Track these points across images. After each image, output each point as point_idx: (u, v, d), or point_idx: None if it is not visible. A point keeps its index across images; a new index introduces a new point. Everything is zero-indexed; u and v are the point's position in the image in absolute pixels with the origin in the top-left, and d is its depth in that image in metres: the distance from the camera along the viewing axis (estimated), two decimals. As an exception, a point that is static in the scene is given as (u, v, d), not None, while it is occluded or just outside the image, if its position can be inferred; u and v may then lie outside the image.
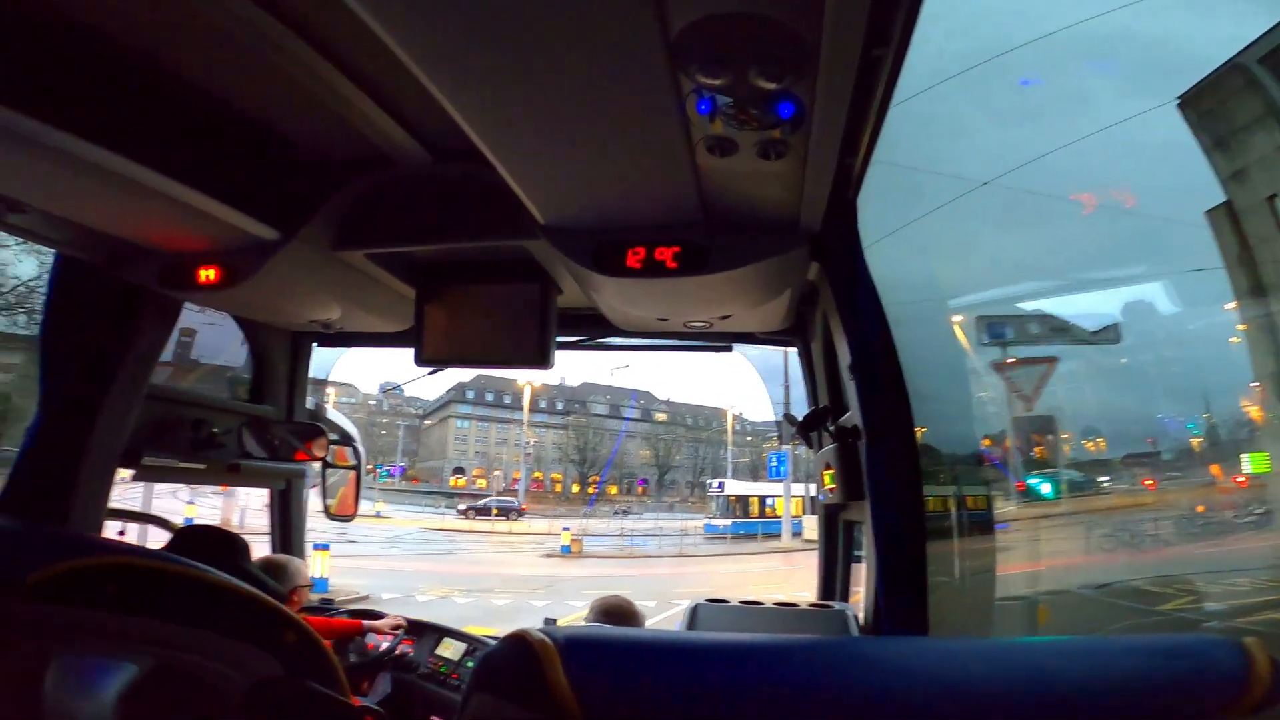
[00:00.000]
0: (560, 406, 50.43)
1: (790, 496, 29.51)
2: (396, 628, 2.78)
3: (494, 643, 2.34)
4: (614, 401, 50.93)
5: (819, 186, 1.51)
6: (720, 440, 47.82)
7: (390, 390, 48.97)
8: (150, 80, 1.53)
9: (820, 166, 1.41)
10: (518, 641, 0.59)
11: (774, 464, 29.60)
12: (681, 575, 20.01)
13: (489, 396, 49.56)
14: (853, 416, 1.97)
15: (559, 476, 49.30)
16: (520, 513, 39.54)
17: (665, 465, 48.28)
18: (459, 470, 48.14)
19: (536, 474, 48.36)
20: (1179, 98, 8.25)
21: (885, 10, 1.07)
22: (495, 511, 38.50)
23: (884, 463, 1.75)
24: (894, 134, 1.59)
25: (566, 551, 25.73)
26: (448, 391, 49.12)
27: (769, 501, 33.05)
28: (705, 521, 33.31)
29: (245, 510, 17.07)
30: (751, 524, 32.48)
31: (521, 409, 45.93)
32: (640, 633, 0.65)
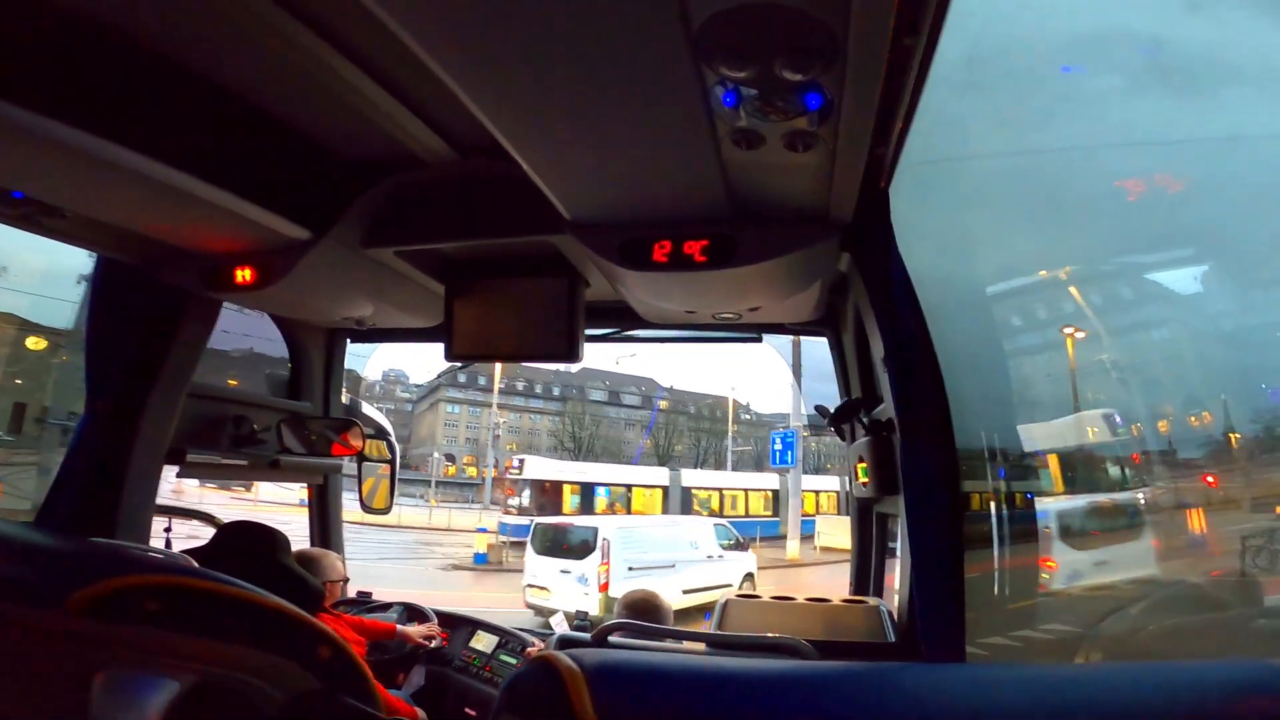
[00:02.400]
0: (556, 392, 47.78)
1: (799, 490, 21.91)
2: (429, 638, 2.76)
3: (525, 635, 2.36)
4: (613, 388, 48.39)
5: (849, 177, 1.48)
6: (724, 430, 44.31)
7: (394, 378, 47.47)
8: (179, 85, 1.56)
9: (850, 157, 1.38)
10: (546, 667, 0.59)
11: (777, 447, 20.75)
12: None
13: (481, 381, 46.22)
14: (886, 409, 1.94)
15: (551, 466, 46.60)
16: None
17: (666, 455, 44.87)
18: (450, 458, 45.35)
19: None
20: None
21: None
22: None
23: (919, 457, 1.72)
24: (927, 124, 1.54)
25: (481, 561, 18.76)
26: (438, 376, 46.09)
27: (601, 491, 23.06)
28: (499, 520, 21.97)
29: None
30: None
31: (518, 394, 43.63)
32: (671, 659, 0.64)
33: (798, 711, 0.55)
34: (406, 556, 19.81)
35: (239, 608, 1.02)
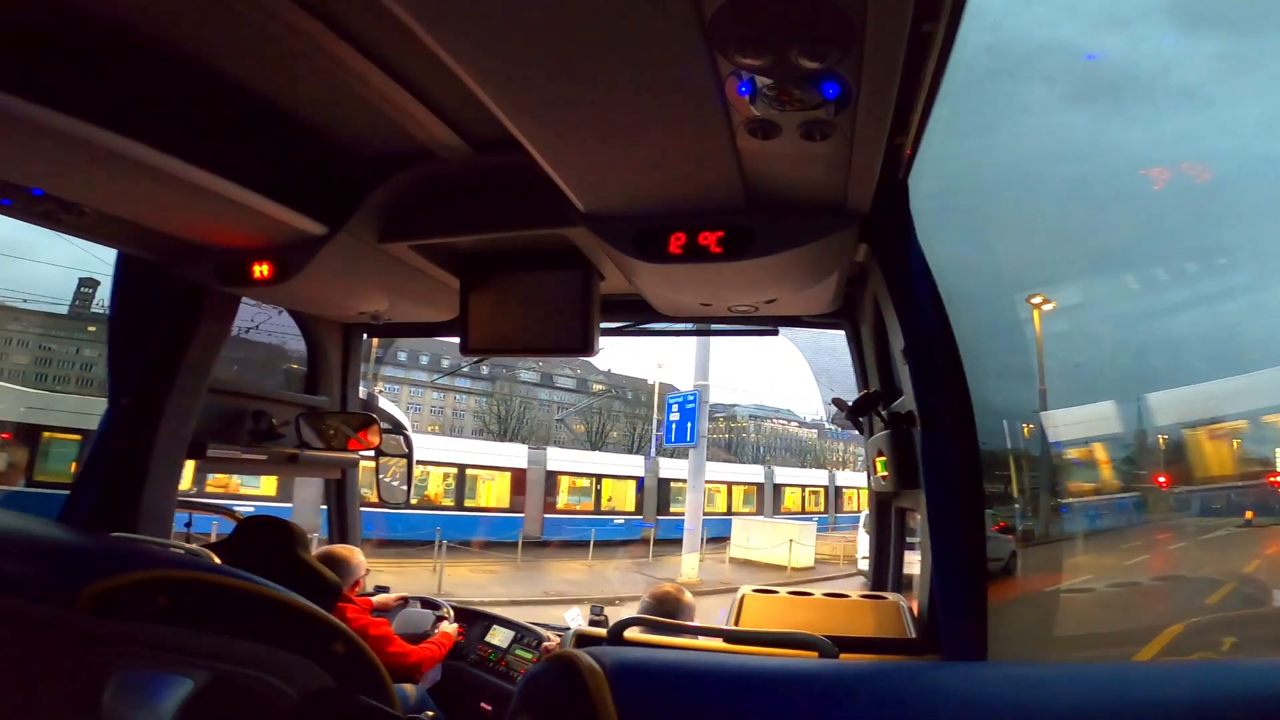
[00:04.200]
0: (485, 371, 43.45)
1: (701, 482, 16.82)
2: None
3: (541, 630, 2.35)
4: (546, 370, 44.58)
5: (867, 167, 1.45)
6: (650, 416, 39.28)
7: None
8: (197, 82, 1.56)
9: (868, 147, 1.35)
10: (566, 665, 0.58)
11: (674, 417, 16.13)
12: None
13: (424, 359, 41.59)
14: (906, 402, 1.91)
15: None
16: None
17: (600, 442, 42.10)
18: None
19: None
20: None
21: None
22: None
23: (941, 451, 1.69)
24: (949, 114, 1.51)
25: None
26: (376, 351, 42.54)
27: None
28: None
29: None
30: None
31: (464, 376, 40.13)
32: (692, 657, 0.63)
33: (824, 711, 0.54)
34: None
35: (252, 603, 1.01)
